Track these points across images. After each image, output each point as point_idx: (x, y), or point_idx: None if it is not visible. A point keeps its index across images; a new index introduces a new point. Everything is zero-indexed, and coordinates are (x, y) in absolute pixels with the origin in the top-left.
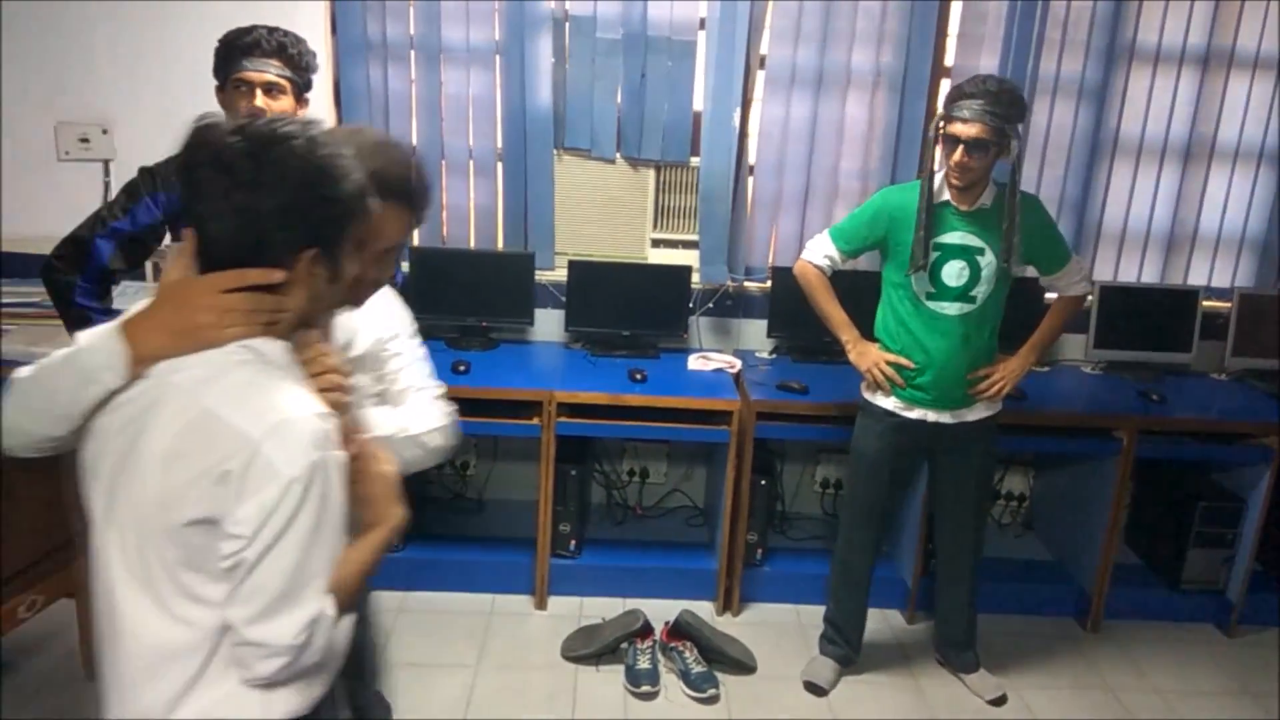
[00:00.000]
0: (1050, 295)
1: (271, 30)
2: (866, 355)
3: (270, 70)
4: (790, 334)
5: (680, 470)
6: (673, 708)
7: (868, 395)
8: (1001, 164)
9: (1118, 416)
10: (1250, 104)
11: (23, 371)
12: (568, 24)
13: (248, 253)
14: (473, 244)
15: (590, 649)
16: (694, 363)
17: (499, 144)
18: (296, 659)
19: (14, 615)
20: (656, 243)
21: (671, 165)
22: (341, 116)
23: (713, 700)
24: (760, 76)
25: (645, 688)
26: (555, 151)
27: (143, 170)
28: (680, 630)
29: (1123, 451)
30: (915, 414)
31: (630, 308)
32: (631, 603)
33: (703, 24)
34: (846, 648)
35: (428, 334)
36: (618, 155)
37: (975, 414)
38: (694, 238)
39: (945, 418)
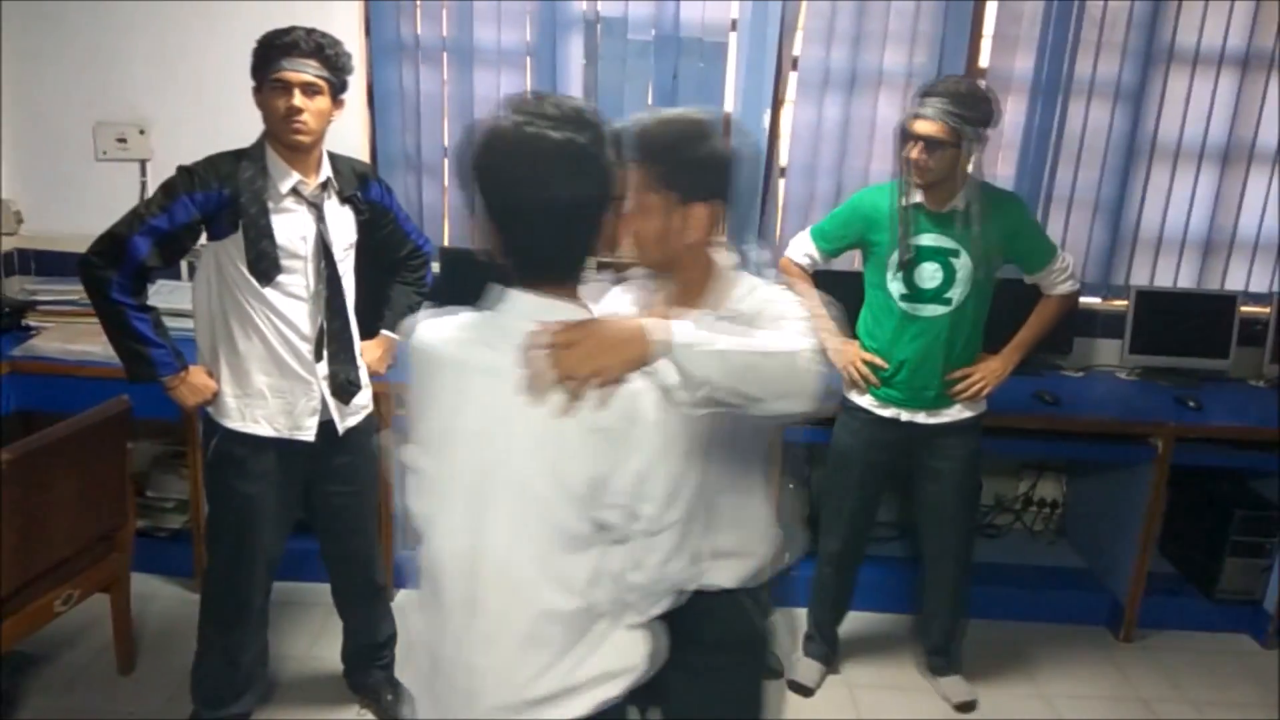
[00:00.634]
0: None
1: (309, 31)
2: (843, 353)
3: (308, 70)
4: None
5: None
6: None
7: (846, 393)
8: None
9: (1154, 423)
10: None
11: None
12: (599, 25)
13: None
14: None
15: None
16: None
17: None
18: None
19: (50, 609)
20: None
21: None
22: (374, 117)
23: None
24: (792, 78)
25: None
26: None
27: (181, 169)
28: None
29: (1159, 458)
30: (889, 412)
31: None
32: None
33: (734, 25)
34: (827, 647)
35: None
36: None
37: (953, 414)
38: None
39: (920, 417)
